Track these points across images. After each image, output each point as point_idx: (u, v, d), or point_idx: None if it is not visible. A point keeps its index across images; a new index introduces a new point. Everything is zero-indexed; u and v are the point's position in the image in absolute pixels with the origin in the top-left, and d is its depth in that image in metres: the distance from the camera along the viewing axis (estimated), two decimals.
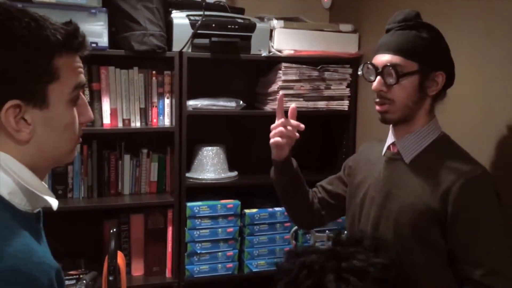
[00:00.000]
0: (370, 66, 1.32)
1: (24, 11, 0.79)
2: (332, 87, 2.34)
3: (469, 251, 1.21)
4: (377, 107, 1.33)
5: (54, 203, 0.85)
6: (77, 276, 2.09)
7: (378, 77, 1.30)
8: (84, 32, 0.86)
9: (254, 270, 2.31)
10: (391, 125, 1.37)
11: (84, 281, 1.87)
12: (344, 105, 2.38)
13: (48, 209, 0.87)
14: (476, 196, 1.21)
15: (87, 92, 2.10)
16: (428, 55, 1.27)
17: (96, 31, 1.98)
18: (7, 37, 0.75)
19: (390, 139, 1.38)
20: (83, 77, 0.86)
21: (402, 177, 1.31)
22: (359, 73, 1.37)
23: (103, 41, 2.00)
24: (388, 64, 1.27)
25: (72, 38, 0.82)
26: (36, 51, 0.77)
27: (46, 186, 0.87)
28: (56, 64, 0.80)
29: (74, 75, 0.83)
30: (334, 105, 2.36)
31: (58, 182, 2.14)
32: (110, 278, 1.82)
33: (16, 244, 0.73)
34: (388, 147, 1.39)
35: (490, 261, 1.19)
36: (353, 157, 1.60)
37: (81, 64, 0.87)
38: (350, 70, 2.36)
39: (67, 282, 2.08)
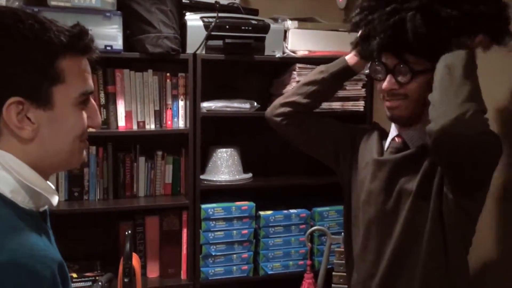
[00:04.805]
0: (378, 66, 1.28)
1: (31, 15, 0.80)
2: (347, 88, 2.31)
3: None
4: (387, 103, 1.29)
5: (54, 199, 0.85)
6: (93, 278, 2.10)
7: (389, 76, 1.25)
8: (92, 35, 0.85)
9: (269, 272, 2.30)
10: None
11: (100, 283, 1.87)
12: (360, 105, 2.35)
13: (52, 208, 0.87)
14: None
15: (102, 95, 2.11)
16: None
17: (111, 34, 1.99)
18: (11, 37, 0.77)
19: (394, 131, 1.35)
20: (91, 83, 0.86)
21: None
22: (366, 71, 1.33)
23: (118, 44, 2.02)
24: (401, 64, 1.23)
25: (77, 40, 0.82)
26: (38, 51, 0.78)
27: (51, 185, 0.87)
28: (60, 66, 0.80)
29: (82, 80, 0.84)
30: (350, 105, 2.34)
31: (74, 184, 2.16)
32: (126, 279, 1.82)
33: (17, 239, 0.73)
34: (393, 139, 1.36)
35: None
36: (363, 131, 1.53)
37: (88, 68, 0.86)
38: (366, 71, 2.33)
39: (82, 284, 2.09)
